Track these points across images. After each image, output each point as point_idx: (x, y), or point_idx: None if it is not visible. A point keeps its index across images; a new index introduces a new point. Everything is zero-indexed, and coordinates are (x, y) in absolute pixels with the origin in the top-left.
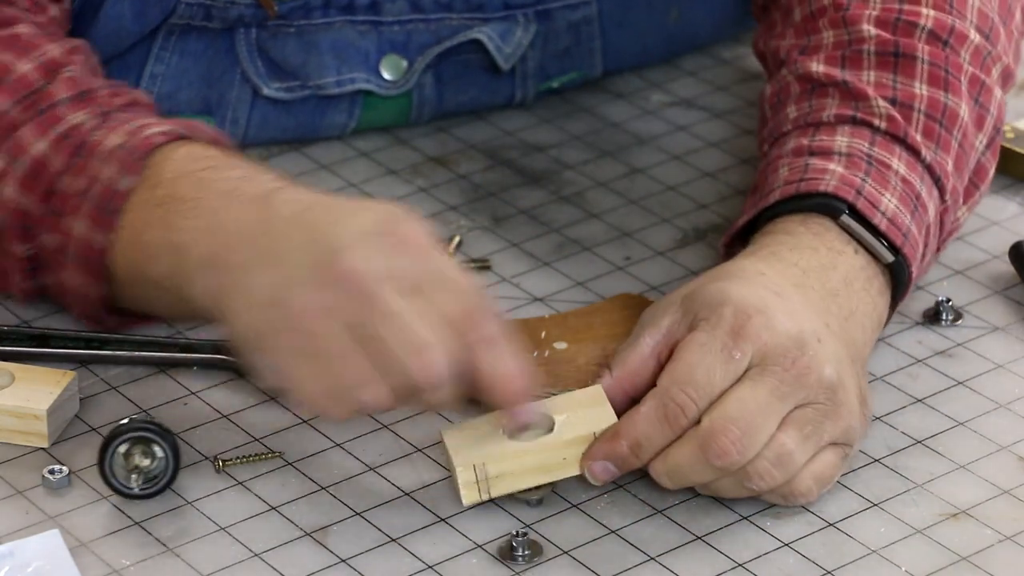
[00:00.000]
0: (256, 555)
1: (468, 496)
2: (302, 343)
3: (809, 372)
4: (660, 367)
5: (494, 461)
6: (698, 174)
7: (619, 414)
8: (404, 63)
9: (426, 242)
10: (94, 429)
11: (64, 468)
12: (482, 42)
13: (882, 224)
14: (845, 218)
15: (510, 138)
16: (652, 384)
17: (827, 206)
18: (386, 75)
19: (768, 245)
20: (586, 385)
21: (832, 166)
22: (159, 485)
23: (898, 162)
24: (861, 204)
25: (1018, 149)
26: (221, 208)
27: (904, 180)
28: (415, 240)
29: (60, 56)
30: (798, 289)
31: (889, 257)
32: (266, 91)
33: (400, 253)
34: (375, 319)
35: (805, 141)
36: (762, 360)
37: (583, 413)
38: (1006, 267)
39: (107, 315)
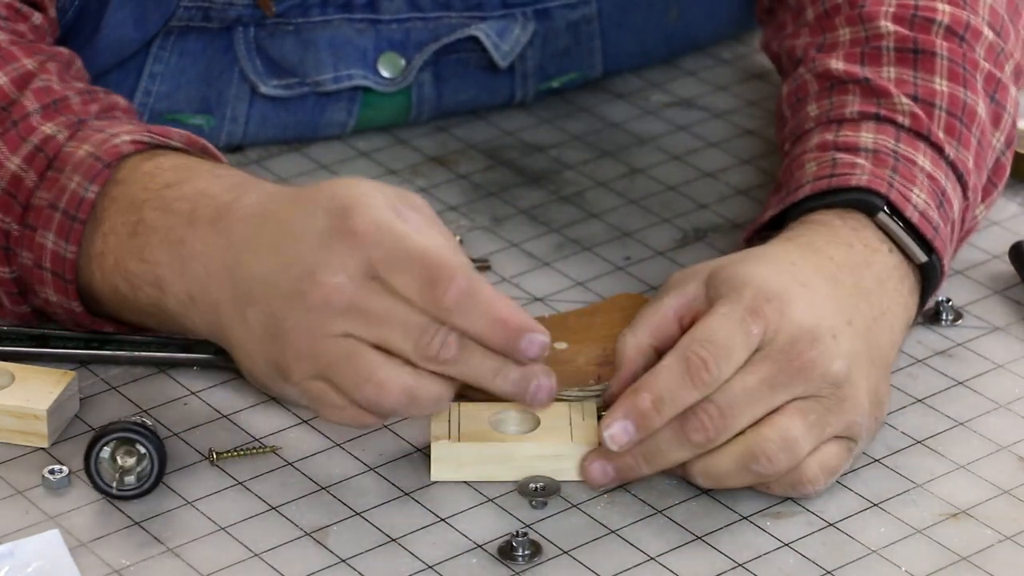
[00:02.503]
0: (256, 555)
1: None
2: (312, 365)
3: (814, 366)
4: (681, 331)
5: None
6: (698, 174)
7: (637, 373)
8: (402, 61)
9: (376, 223)
10: (94, 429)
11: (64, 468)
12: (480, 40)
13: (914, 217)
14: (882, 216)
15: (510, 138)
16: (672, 344)
17: (863, 202)
18: (384, 73)
19: (804, 235)
20: (586, 384)
21: (860, 161)
22: (149, 482)
23: (923, 158)
24: (894, 196)
25: (1018, 149)
26: (187, 237)
27: (930, 176)
28: (366, 225)
29: (34, 68)
30: (828, 282)
31: (922, 257)
32: (264, 89)
33: (359, 247)
34: (372, 324)
35: (829, 137)
36: (768, 345)
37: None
38: (1006, 267)
39: (101, 324)
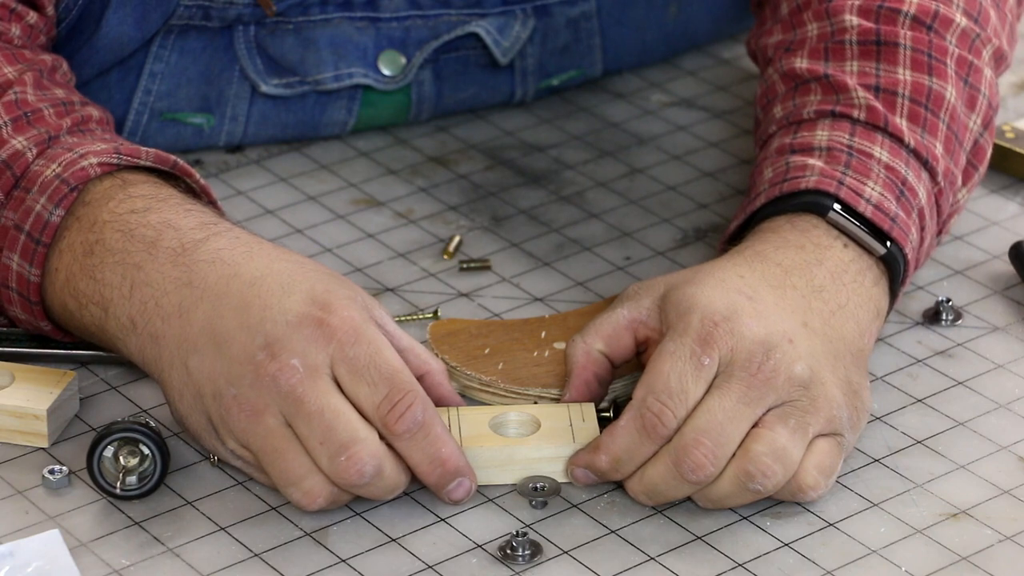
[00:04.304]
0: (256, 555)
1: None
2: (244, 439)
3: (777, 374)
4: (635, 343)
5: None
6: (698, 174)
7: (588, 379)
8: (402, 59)
9: (355, 325)
10: (94, 429)
11: (64, 468)
12: (481, 37)
13: (867, 211)
14: (833, 214)
15: (510, 138)
16: (625, 354)
17: (814, 204)
18: (385, 71)
19: (754, 245)
20: None
21: (812, 161)
22: (152, 482)
23: (880, 150)
24: (844, 193)
25: (1018, 149)
26: (143, 263)
27: (888, 167)
28: (344, 324)
29: (12, 77)
30: (775, 290)
31: (880, 248)
32: (264, 88)
33: (328, 340)
34: (301, 418)
35: (787, 140)
36: (728, 366)
37: (568, 427)
38: (1006, 267)
39: (71, 339)
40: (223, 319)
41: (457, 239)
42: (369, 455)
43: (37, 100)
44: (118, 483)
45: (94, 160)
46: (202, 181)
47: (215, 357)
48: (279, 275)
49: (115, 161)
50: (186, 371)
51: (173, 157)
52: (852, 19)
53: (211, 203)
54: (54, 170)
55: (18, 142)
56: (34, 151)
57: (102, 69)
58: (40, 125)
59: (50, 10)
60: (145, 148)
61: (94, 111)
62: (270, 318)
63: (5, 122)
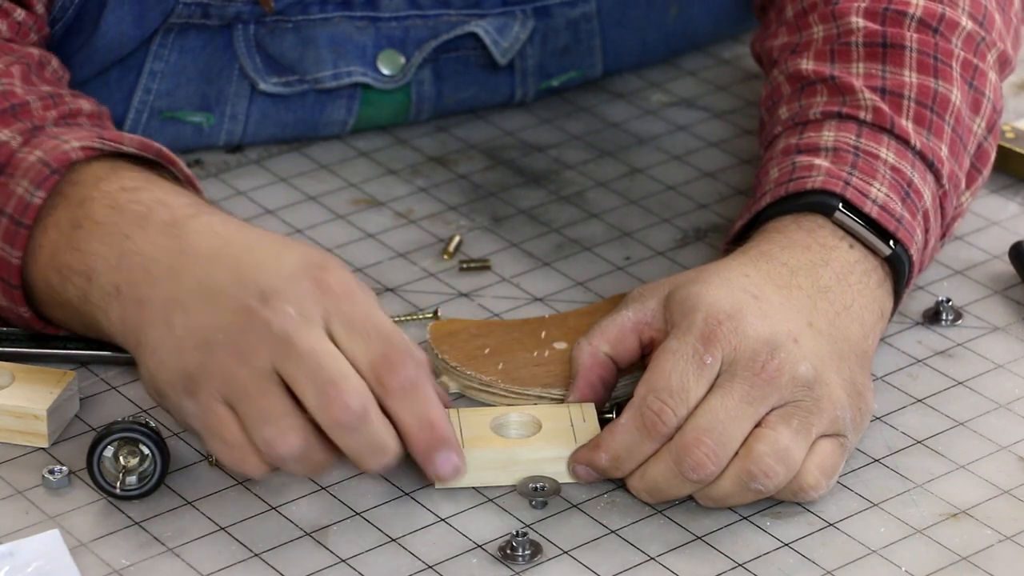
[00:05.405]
0: (256, 555)
1: None
2: (224, 386)
3: (781, 373)
4: (640, 345)
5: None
6: (698, 174)
7: (593, 381)
8: (402, 58)
9: (352, 283)
10: (94, 429)
11: (64, 468)
12: (480, 38)
13: (873, 211)
14: (839, 214)
15: (510, 138)
16: (630, 356)
17: (820, 204)
18: (384, 70)
19: (759, 245)
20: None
21: (818, 161)
22: (151, 482)
23: (886, 151)
24: (850, 194)
25: (1018, 149)
26: (133, 234)
27: (893, 168)
28: (340, 282)
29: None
30: (781, 290)
31: (886, 249)
32: (263, 86)
33: (324, 295)
34: (291, 359)
35: (793, 140)
36: (732, 365)
37: (569, 428)
38: (1006, 267)
39: (54, 330)
40: (215, 278)
41: (457, 239)
42: (357, 392)
43: (24, 93)
44: (118, 483)
45: (76, 144)
46: (187, 170)
47: (205, 311)
48: (273, 243)
49: (97, 145)
50: (168, 329)
51: (157, 144)
52: (858, 21)
53: (196, 192)
54: (37, 155)
55: (3, 133)
56: (19, 140)
57: (101, 68)
58: (26, 118)
59: (39, 8)
60: (128, 135)
61: (85, 104)
62: (266, 272)
63: None
